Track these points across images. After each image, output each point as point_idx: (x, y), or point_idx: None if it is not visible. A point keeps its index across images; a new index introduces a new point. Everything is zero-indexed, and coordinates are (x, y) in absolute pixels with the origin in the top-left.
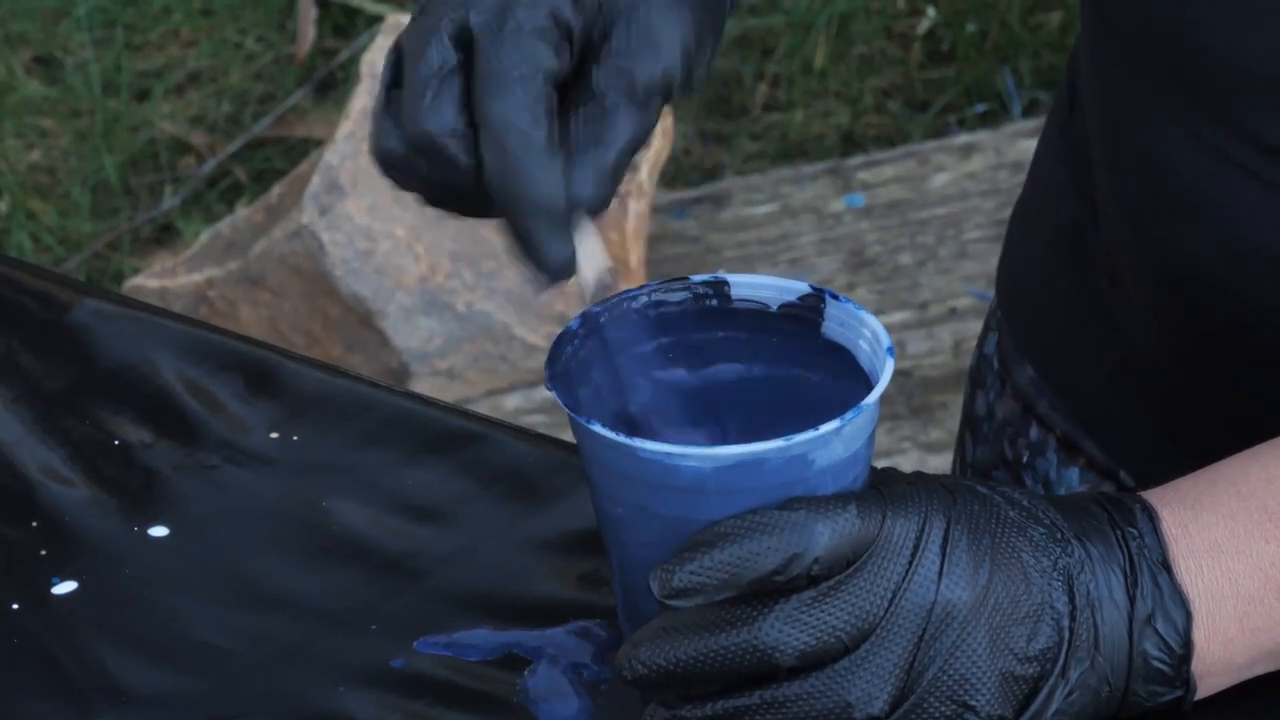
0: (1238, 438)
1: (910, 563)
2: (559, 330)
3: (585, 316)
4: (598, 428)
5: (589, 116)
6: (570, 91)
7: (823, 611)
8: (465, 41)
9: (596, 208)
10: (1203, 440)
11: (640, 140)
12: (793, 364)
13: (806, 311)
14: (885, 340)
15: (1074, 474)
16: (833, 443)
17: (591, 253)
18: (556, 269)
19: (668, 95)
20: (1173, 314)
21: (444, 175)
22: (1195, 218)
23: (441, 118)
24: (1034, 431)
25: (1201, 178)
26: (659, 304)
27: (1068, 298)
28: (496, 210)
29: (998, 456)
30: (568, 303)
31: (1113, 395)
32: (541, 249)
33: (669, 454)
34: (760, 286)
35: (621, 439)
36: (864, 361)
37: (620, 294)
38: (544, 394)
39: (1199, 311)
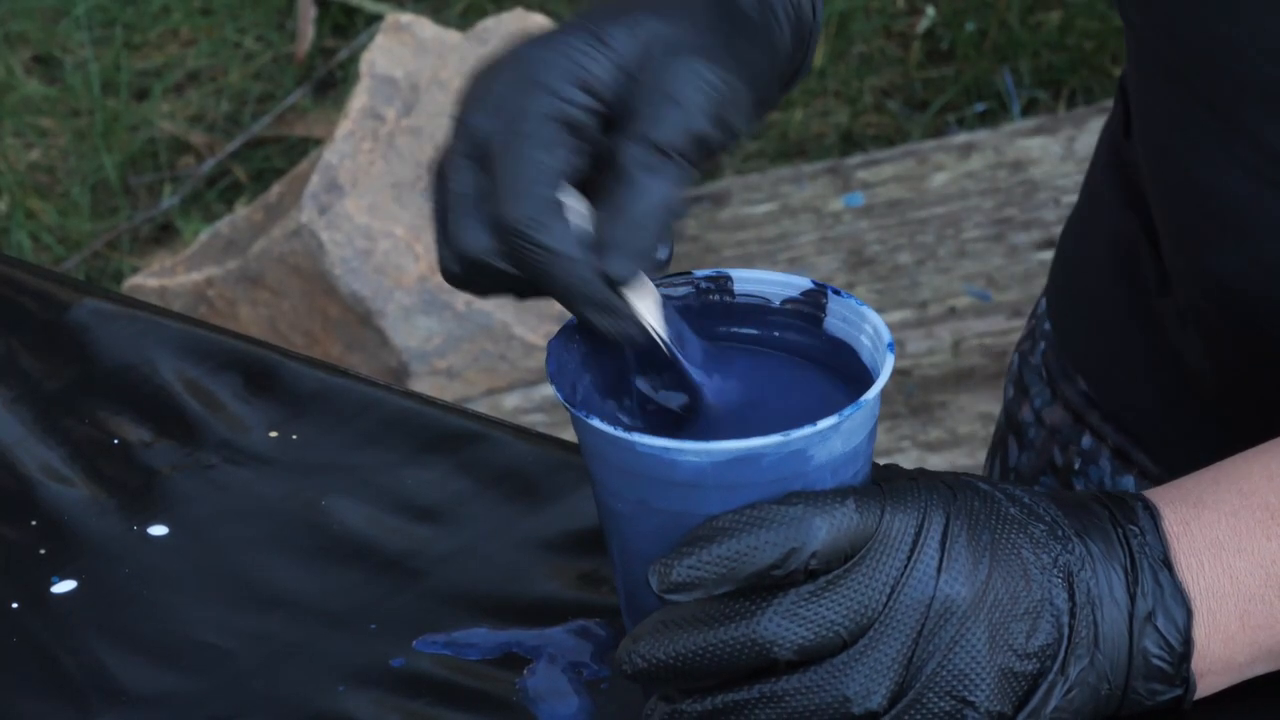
0: None
1: (909, 558)
2: (558, 330)
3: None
4: (596, 422)
5: (613, 192)
6: (603, 165)
7: (821, 606)
8: (483, 154)
9: (632, 277)
10: None
11: (672, 203)
12: (794, 359)
13: (809, 306)
14: (886, 336)
15: (1129, 481)
16: (831, 438)
17: (650, 303)
18: (623, 338)
19: (702, 151)
20: (1223, 332)
21: (493, 289)
22: (1238, 237)
23: (476, 240)
24: (1086, 440)
25: (1242, 197)
26: (662, 298)
27: (1120, 314)
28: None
29: (1046, 463)
30: None
31: (1165, 413)
32: (603, 325)
33: (667, 448)
34: (763, 281)
35: (620, 433)
36: (865, 357)
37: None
38: (543, 393)
39: (1246, 329)
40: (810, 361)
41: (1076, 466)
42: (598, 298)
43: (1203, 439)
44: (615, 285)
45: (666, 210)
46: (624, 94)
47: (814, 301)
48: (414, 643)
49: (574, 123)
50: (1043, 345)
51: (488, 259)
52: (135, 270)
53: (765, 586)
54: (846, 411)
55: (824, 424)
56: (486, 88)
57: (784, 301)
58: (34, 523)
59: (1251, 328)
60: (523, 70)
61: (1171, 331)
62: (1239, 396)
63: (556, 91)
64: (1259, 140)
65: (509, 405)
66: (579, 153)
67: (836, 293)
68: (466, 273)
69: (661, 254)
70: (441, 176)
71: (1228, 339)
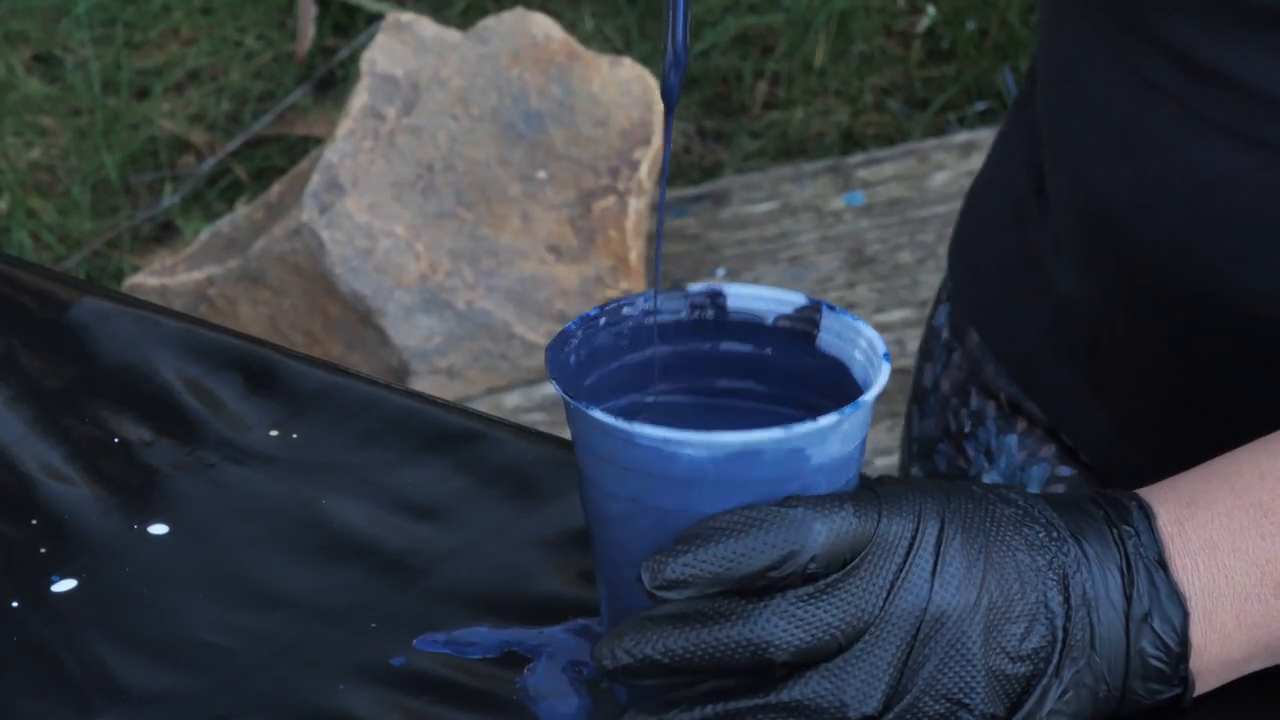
0: (1155, 392)
1: (904, 562)
2: (559, 329)
3: (584, 320)
4: (596, 413)
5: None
6: None
7: (819, 609)
8: None
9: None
10: (1122, 392)
11: None
12: (786, 377)
13: (802, 323)
14: (880, 348)
15: (1012, 440)
16: (829, 438)
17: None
18: None
19: None
20: (1099, 257)
21: None
22: (1126, 153)
23: None
24: (974, 400)
25: (1134, 112)
26: (655, 313)
27: (1009, 260)
28: None
29: (942, 429)
30: (567, 301)
31: (1047, 352)
32: None
33: (667, 440)
34: (757, 298)
35: (620, 424)
36: (858, 373)
37: (617, 300)
38: (544, 392)
39: (1121, 248)
40: (802, 380)
41: (967, 429)
42: None
43: (1077, 373)
44: None
45: None
46: None
47: (808, 318)
48: (414, 641)
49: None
50: (946, 307)
51: None
52: (136, 269)
53: (758, 588)
54: (846, 410)
55: (824, 421)
56: None
57: (778, 318)
58: (34, 521)
59: (1126, 246)
60: None
61: (1048, 261)
62: (1108, 324)
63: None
64: (1153, 40)
65: (509, 404)
66: None
67: (831, 309)
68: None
69: None
70: None
71: (1102, 259)
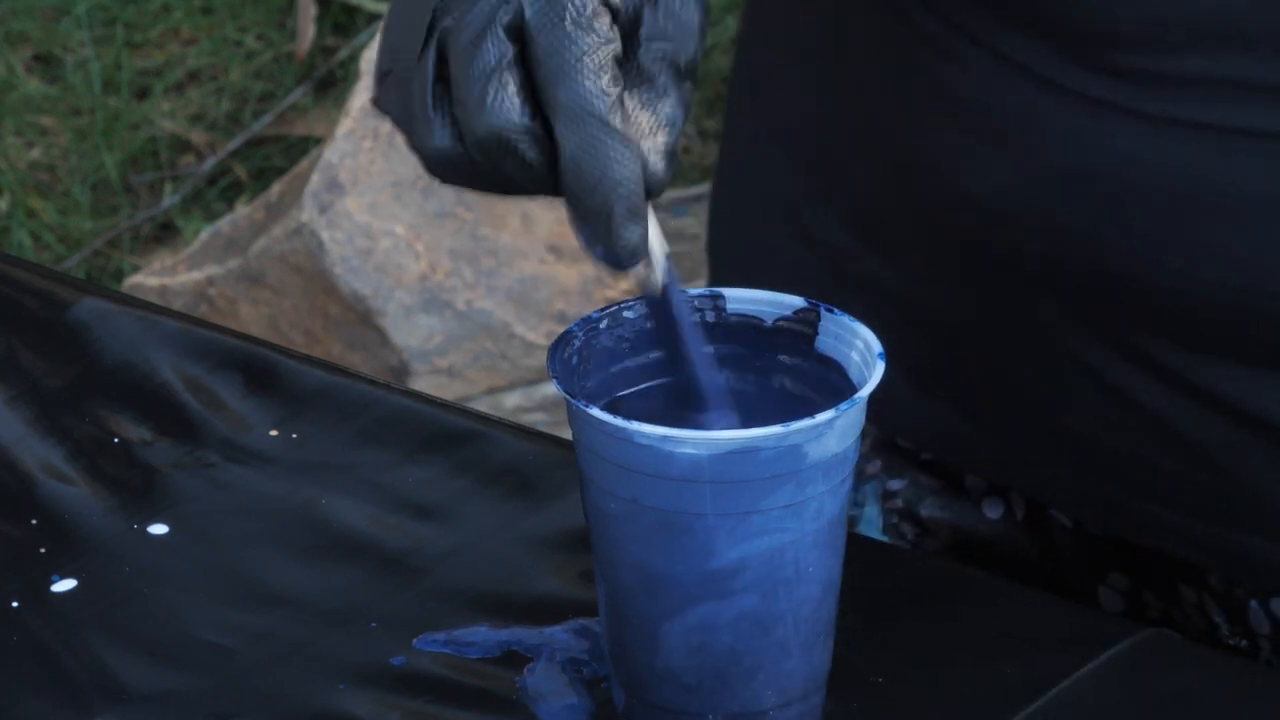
0: (1010, 379)
1: None
2: (559, 328)
3: (586, 322)
4: (595, 411)
5: (646, 100)
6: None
7: None
8: (518, 34)
9: (664, 189)
10: (966, 385)
11: (685, 121)
12: (784, 380)
13: (801, 325)
14: (876, 347)
15: None
16: (826, 435)
17: (657, 233)
18: (634, 250)
19: (693, 77)
20: (961, 255)
21: (506, 168)
22: (1008, 149)
23: (509, 115)
24: None
25: (1016, 107)
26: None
27: (799, 274)
28: (558, 194)
29: None
30: (567, 301)
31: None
32: (621, 232)
33: (665, 438)
34: (756, 301)
35: (618, 422)
36: (854, 374)
37: (618, 304)
38: (544, 392)
39: (999, 246)
40: (800, 381)
41: None
42: (635, 194)
43: (911, 370)
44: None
45: (682, 128)
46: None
47: (806, 320)
48: (414, 641)
49: (614, 6)
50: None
51: (513, 137)
52: (136, 269)
53: None
54: (843, 406)
55: (821, 417)
56: None
57: (776, 321)
58: (34, 521)
59: (1005, 242)
60: None
61: (855, 264)
62: (959, 312)
63: None
64: (1044, 31)
65: (509, 404)
66: (618, 38)
67: (829, 310)
68: (462, 150)
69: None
70: (463, 49)
71: (965, 256)
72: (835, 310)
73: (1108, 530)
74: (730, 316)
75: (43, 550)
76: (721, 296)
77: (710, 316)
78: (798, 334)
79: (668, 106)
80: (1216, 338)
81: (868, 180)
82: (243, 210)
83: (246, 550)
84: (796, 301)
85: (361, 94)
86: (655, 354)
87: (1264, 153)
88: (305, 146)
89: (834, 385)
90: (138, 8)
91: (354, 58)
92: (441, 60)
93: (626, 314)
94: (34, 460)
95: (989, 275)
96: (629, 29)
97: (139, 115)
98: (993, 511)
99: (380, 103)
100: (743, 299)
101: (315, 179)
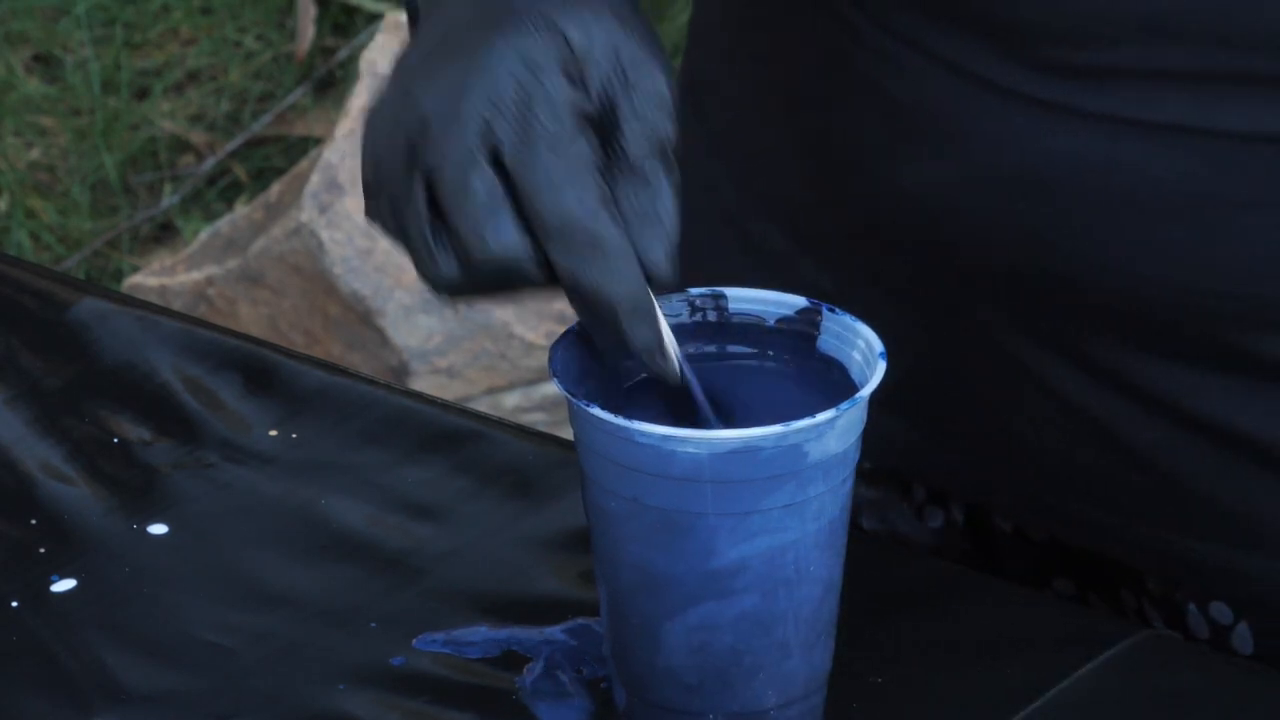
0: (962, 384)
1: None
2: (559, 328)
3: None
4: (596, 410)
5: (637, 194)
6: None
7: None
8: (498, 161)
9: (673, 283)
10: (914, 395)
11: (679, 208)
12: (786, 379)
13: (803, 325)
14: (878, 347)
15: None
16: (827, 434)
17: (667, 330)
18: (649, 350)
19: (677, 153)
20: (900, 258)
21: (511, 288)
22: (946, 150)
23: (508, 246)
24: None
25: (954, 108)
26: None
27: (732, 276)
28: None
29: None
30: (567, 300)
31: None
32: (632, 335)
33: (666, 437)
34: (758, 300)
35: (619, 421)
36: (855, 374)
37: None
38: (544, 392)
39: (941, 247)
40: (802, 382)
41: None
42: (642, 300)
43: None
44: (656, 291)
45: (677, 220)
46: (593, 90)
47: (809, 320)
48: (414, 641)
49: (585, 112)
50: None
51: (515, 263)
52: (135, 269)
53: None
54: (844, 406)
55: (822, 417)
56: (465, 77)
57: (778, 320)
58: (34, 521)
59: (945, 243)
60: (509, 58)
61: (794, 271)
62: (902, 320)
63: (556, 79)
64: (982, 31)
65: (509, 404)
66: (596, 142)
67: (831, 310)
68: (484, 281)
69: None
70: (452, 185)
71: (903, 260)
72: (838, 310)
73: (1049, 534)
74: (732, 316)
75: (42, 550)
76: (723, 296)
77: (712, 316)
78: (800, 333)
79: (660, 199)
80: (1156, 337)
81: (806, 187)
82: (242, 210)
83: (246, 550)
84: (799, 301)
85: (361, 94)
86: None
87: (1200, 150)
88: (305, 147)
89: (835, 385)
90: (137, 8)
91: (354, 58)
92: (429, 188)
93: None
94: (34, 460)
95: (928, 278)
96: (607, 119)
97: (138, 115)
98: (933, 521)
99: (373, 216)
100: (745, 298)
101: (315, 179)
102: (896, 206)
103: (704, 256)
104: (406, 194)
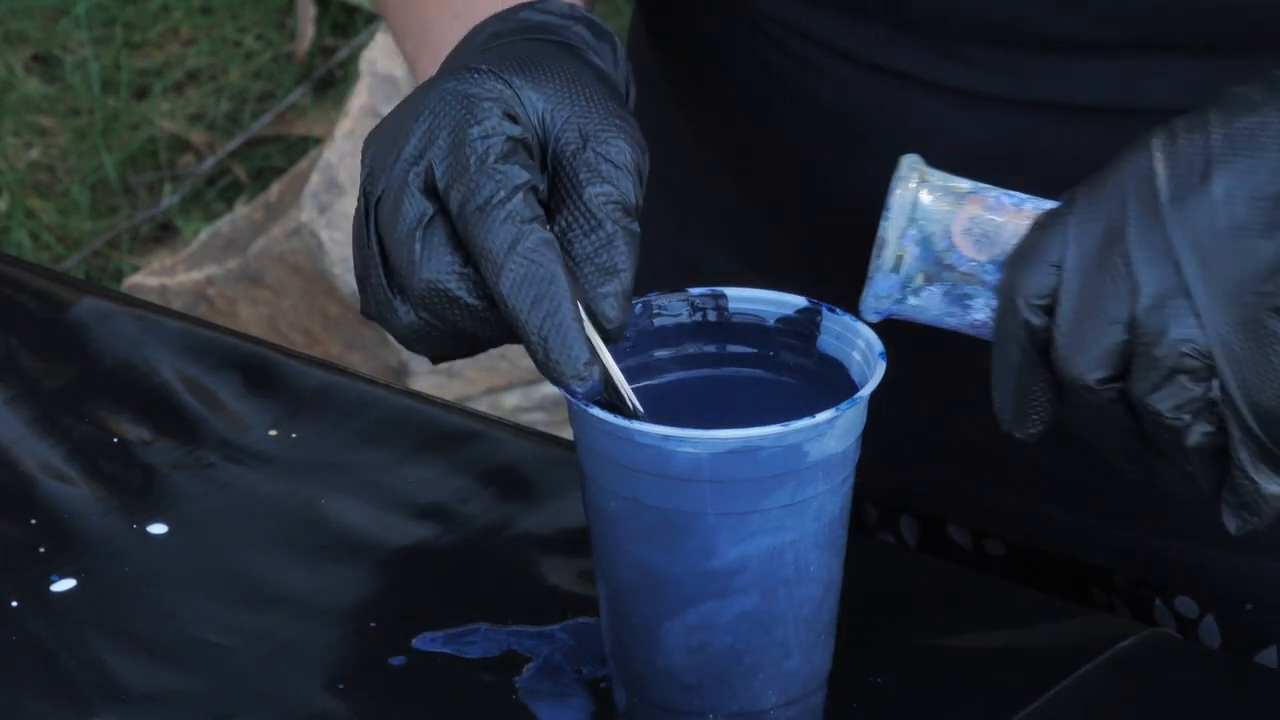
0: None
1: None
2: None
3: None
4: (596, 411)
5: (594, 246)
6: (555, 207)
7: None
8: (432, 191)
9: (621, 331)
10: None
11: (635, 261)
12: (786, 379)
13: (803, 325)
14: (878, 347)
15: None
16: (826, 435)
17: (607, 352)
18: (584, 369)
19: (638, 213)
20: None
21: (456, 320)
22: (882, 152)
23: (438, 263)
24: None
25: (888, 109)
26: (657, 314)
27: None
28: (511, 336)
29: None
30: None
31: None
32: (564, 354)
33: (666, 437)
34: (758, 300)
35: (619, 422)
36: (855, 374)
37: None
38: (543, 392)
39: (869, 250)
40: (802, 381)
41: None
42: (566, 319)
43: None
44: (606, 337)
45: (632, 272)
46: (549, 135)
47: (808, 319)
48: (413, 641)
49: (520, 139)
50: None
51: (447, 285)
52: (135, 269)
53: None
54: (843, 406)
55: (822, 417)
56: (405, 116)
57: (778, 320)
58: (33, 521)
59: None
60: (448, 96)
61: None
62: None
63: (491, 110)
64: (914, 31)
65: (509, 404)
66: (534, 168)
67: (832, 310)
68: (424, 313)
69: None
70: (388, 219)
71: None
72: (837, 310)
73: (1008, 547)
74: (732, 315)
75: (42, 550)
76: (724, 296)
77: (712, 316)
78: (800, 333)
79: (616, 253)
80: None
81: (742, 203)
82: (242, 210)
83: (246, 550)
84: (799, 301)
85: (361, 94)
86: (657, 353)
87: (1125, 130)
88: (304, 146)
89: (835, 384)
90: (137, 8)
91: (353, 58)
92: (379, 232)
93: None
94: (33, 460)
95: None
96: (554, 161)
97: (138, 115)
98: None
99: (364, 311)
100: (745, 298)
101: (314, 179)
102: (832, 212)
103: (650, 284)
104: (365, 240)
